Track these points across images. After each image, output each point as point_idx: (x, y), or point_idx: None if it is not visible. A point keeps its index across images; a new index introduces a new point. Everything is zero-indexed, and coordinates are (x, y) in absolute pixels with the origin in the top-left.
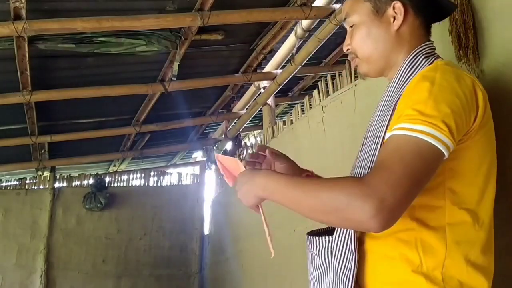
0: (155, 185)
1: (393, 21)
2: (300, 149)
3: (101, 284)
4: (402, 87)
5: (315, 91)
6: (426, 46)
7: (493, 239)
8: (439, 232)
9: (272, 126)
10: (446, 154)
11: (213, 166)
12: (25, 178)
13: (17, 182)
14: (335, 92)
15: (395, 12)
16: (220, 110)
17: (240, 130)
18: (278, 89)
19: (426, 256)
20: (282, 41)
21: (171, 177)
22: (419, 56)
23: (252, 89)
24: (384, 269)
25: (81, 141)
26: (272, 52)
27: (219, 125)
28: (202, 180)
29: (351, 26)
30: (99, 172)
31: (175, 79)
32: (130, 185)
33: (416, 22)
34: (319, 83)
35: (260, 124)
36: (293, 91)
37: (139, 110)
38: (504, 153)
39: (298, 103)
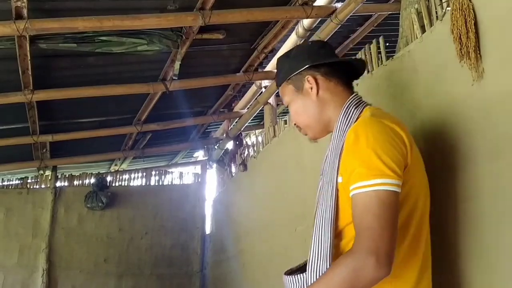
0: (156, 184)
1: (311, 91)
2: (301, 148)
3: (103, 283)
4: (343, 136)
5: None
6: (352, 99)
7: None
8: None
9: (273, 126)
10: (399, 190)
11: (214, 165)
12: (26, 177)
13: (19, 182)
14: None
15: (309, 83)
16: (221, 110)
17: (242, 129)
18: None
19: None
20: (284, 40)
21: (172, 176)
22: (350, 108)
23: (253, 88)
24: None
25: (83, 140)
26: (274, 51)
27: (221, 124)
28: (203, 179)
29: (287, 106)
30: (100, 172)
31: (176, 78)
32: (131, 184)
33: (330, 84)
34: None
35: (262, 123)
36: None
37: (141, 109)
38: (499, 155)
39: None
